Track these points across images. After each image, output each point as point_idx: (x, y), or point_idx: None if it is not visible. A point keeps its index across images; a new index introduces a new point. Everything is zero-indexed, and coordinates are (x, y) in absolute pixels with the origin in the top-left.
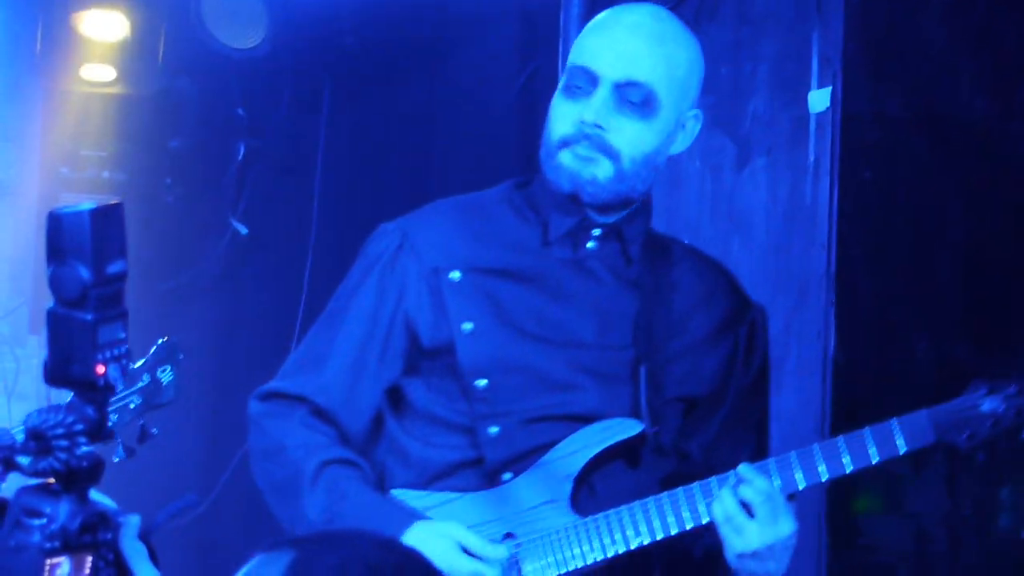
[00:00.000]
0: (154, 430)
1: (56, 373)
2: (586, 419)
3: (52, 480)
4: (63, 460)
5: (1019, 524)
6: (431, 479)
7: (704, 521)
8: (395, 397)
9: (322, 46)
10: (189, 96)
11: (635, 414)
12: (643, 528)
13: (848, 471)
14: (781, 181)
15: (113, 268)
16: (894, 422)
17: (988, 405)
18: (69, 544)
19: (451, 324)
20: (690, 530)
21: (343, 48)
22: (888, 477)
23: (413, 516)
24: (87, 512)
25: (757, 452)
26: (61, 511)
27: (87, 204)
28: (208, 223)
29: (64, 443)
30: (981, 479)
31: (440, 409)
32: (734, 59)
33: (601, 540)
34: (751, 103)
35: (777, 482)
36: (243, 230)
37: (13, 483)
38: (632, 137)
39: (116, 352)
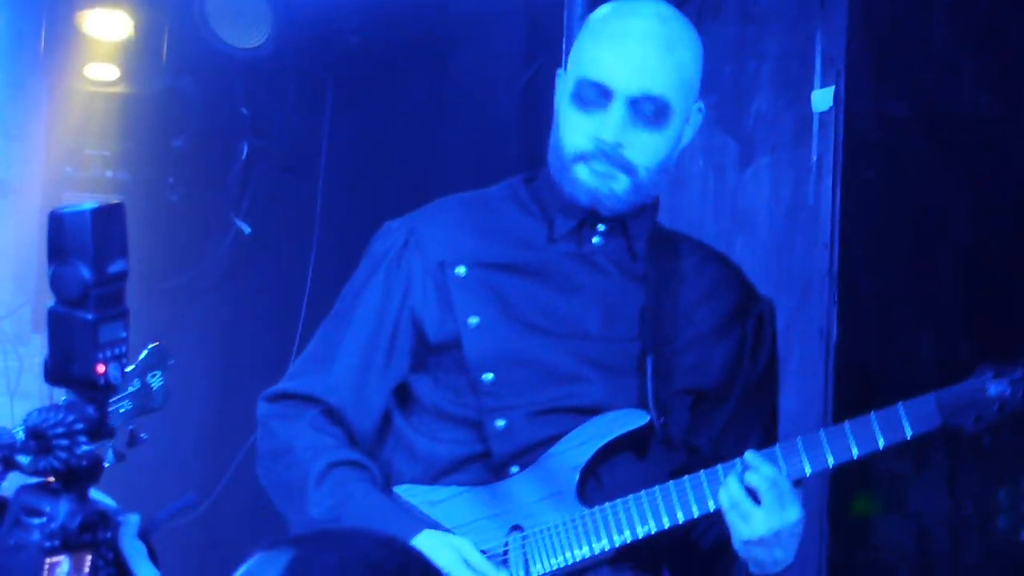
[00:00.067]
0: (143, 435)
1: (56, 372)
2: (593, 411)
3: (52, 479)
4: (63, 459)
5: (1017, 525)
6: (438, 474)
7: (711, 509)
8: (402, 394)
9: (326, 46)
10: (193, 95)
11: (642, 406)
12: (650, 517)
13: (855, 456)
14: (784, 180)
15: (114, 267)
16: (900, 406)
17: (995, 388)
18: (69, 543)
19: (457, 319)
20: (698, 520)
21: (346, 48)
22: (890, 476)
23: (422, 523)
24: (87, 511)
25: (765, 445)
26: (61, 510)
27: (88, 204)
28: (211, 222)
29: (64, 442)
30: (983, 479)
31: (447, 404)
32: (737, 58)
33: (608, 530)
34: (754, 102)
35: (783, 468)
36: (246, 229)
37: (13, 482)
38: (648, 149)
39: (117, 351)
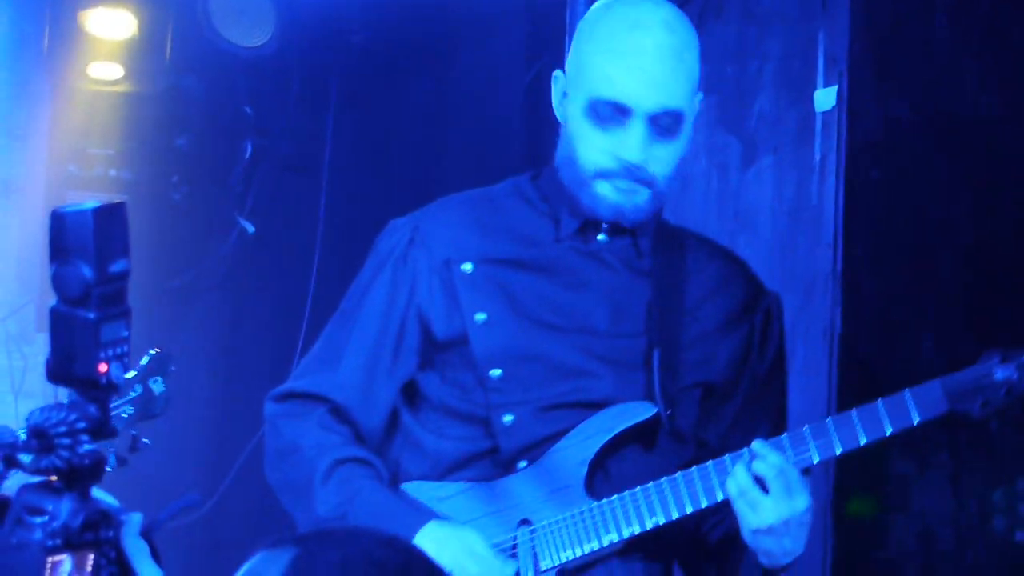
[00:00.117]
0: (145, 440)
1: (58, 371)
2: (600, 406)
3: (54, 478)
4: (65, 458)
5: (1014, 526)
6: (446, 470)
7: (719, 499)
8: (410, 391)
9: (329, 45)
10: (196, 94)
11: (649, 400)
12: (658, 509)
13: (862, 443)
14: (787, 180)
15: (116, 267)
16: (907, 392)
17: (1001, 373)
18: (71, 542)
19: (464, 315)
20: (708, 513)
21: (350, 47)
22: (894, 476)
23: (427, 515)
24: (89, 510)
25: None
26: (63, 509)
27: (90, 203)
28: (215, 221)
29: (66, 441)
30: (987, 478)
31: (454, 401)
32: (740, 58)
33: (617, 523)
34: (757, 102)
35: (791, 456)
36: (250, 228)
37: (15, 481)
38: (666, 160)
39: (118, 350)
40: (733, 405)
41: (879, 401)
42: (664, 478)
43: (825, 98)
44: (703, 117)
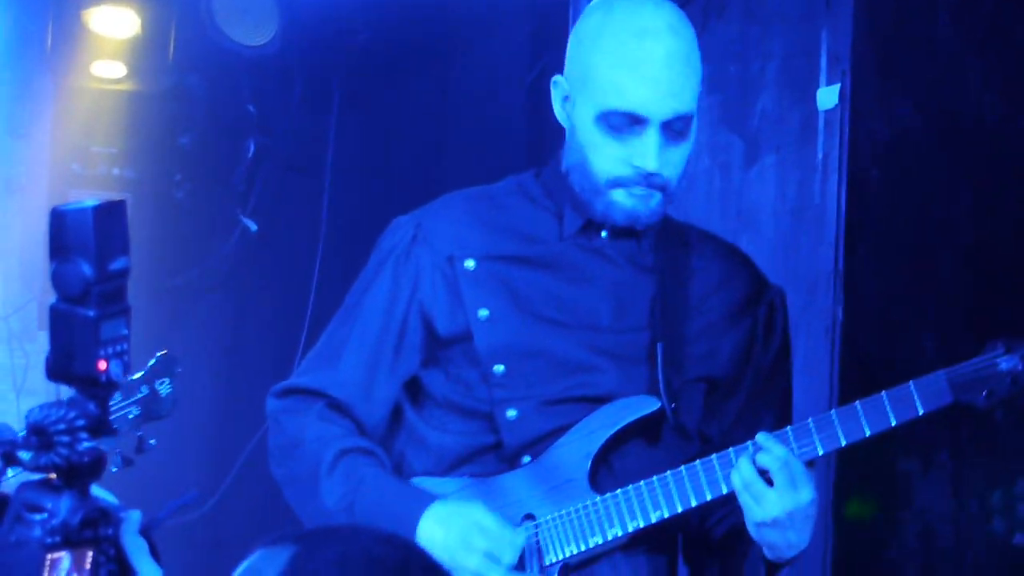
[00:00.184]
0: (152, 441)
1: (58, 369)
2: (604, 400)
3: (53, 475)
4: (64, 455)
5: (1012, 528)
6: (450, 466)
7: (723, 492)
8: (413, 388)
9: (332, 44)
10: (199, 93)
11: (653, 394)
12: (662, 502)
13: (867, 434)
14: (789, 179)
15: (116, 265)
16: (911, 384)
17: (1006, 364)
18: (70, 539)
19: (467, 312)
20: (713, 508)
21: (353, 46)
22: (895, 475)
23: (431, 498)
24: (88, 507)
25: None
26: (62, 506)
27: (90, 201)
28: (218, 220)
29: (65, 438)
30: (988, 477)
31: (458, 397)
32: (742, 57)
33: (621, 517)
34: (759, 101)
35: (795, 449)
36: (253, 227)
37: (15, 478)
38: (678, 162)
39: (118, 348)
40: (737, 399)
41: (883, 393)
42: (668, 472)
43: (828, 97)
44: (706, 116)
